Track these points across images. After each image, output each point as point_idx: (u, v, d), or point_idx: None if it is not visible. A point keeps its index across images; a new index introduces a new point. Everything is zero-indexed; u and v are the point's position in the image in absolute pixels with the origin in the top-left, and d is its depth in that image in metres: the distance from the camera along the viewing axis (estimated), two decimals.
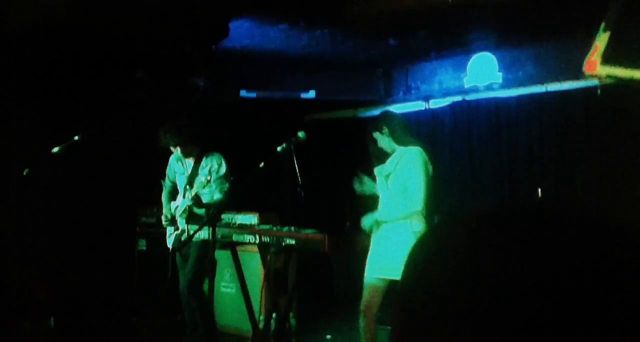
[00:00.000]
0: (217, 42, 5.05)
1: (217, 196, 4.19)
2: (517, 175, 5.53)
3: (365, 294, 3.54)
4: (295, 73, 6.29)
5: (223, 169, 4.29)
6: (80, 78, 5.44)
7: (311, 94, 6.08)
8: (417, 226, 3.41)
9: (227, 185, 4.22)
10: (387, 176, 3.56)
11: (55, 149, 3.92)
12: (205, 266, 3.46)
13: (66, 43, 4.92)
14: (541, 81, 5.38)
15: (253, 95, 6.05)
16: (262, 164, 3.50)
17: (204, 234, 3.62)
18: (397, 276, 3.54)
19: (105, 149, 5.53)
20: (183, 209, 4.26)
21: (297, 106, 6.43)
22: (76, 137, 3.99)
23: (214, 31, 4.86)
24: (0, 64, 5.01)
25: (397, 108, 6.46)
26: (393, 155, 3.59)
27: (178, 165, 4.47)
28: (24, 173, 3.79)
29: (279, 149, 3.60)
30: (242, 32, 5.10)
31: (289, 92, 6.19)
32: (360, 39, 5.43)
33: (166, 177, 4.61)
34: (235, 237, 3.61)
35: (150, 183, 4.89)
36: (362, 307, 3.57)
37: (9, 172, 4.01)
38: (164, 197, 4.60)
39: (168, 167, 4.58)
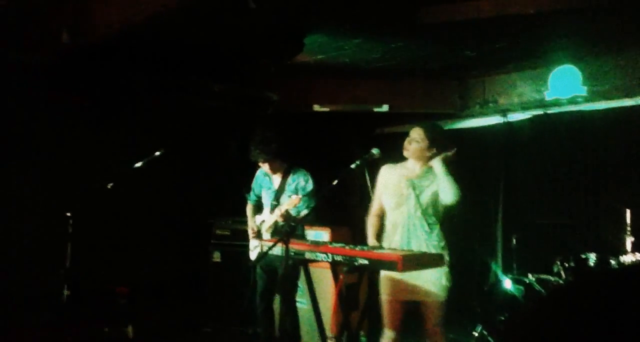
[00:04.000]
0: (292, 57, 5.10)
1: (304, 212, 4.21)
2: (602, 193, 5.23)
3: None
4: (368, 86, 6.25)
5: (310, 186, 4.30)
6: (160, 90, 5.64)
7: (384, 108, 6.02)
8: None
9: (313, 201, 4.23)
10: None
11: (138, 164, 4.06)
12: (284, 282, 3.46)
13: (148, 55, 5.11)
14: (630, 94, 5.08)
15: (326, 109, 6.06)
16: (335, 181, 3.45)
17: (277, 250, 3.63)
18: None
19: (183, 161, 5.70)
20: (270, 224, 4.29)
21: (371, 119, 6.38)
22: (158, 152, 4.11)
23: (289, 46, 4.91)
24: (85, 83, 5.27)
25: (473, 122, 6.30)
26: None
27: (265, 180, 4.51)
28: (108, 186, 3.94)
29: (352, 166, 3.54)
30: (316, 47, 5.12)
31: (361, 105, 6.15)
32: (436, 50, 5.33)
33: (251, 191, 4.66)
34: (307, 255, 3.59)
35: (225, 195, 4.97)
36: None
37: (94, 186, 4.19)
38: (248, 211, 4.65)
39: (254, 180, 4.63)
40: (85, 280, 4.70)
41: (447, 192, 3.44)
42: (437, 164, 3.48)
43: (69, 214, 3.86)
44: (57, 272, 3.88)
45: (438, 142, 3.52)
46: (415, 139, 3.53)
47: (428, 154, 3.52)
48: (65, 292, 3.87)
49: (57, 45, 4.69)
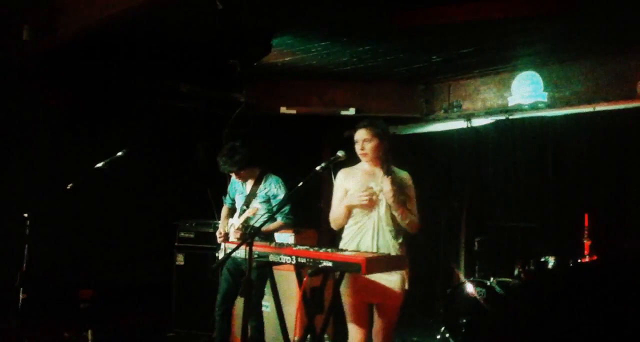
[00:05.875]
0: (259, 58, 5.09)
1: (278, 218, 4.20)
2: (563, 197, 5.36)
3: None
4: (335, 89, 6.27)
5: (281, 193, 4.29)
6: (125, 91, 5.56)
7: (351, 111, 6.04)
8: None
9: (287, 208, 4.21)
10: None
11: (100, 164, 3.98)
12: (246, 285, 3.43)
13: (114, 55, 5.03)
14: (589, 101, 5.21)
15: (293, 112, 6.05)
16: (301, 184, 3.44)
17: (241, 253, 3.60)
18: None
19: (149, 163, 5.61)
20: (236, 228, 4.27)
21: (337, 122, 6.40)
22: (120, 153, 4.03)
23: (257, 47, 4.89)
24: (48, 81, 5.16)
25: (438, 126, 6.37)
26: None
27: (238, 184, 4.50)
28: (68, 187, 3.85)
29: (318, 168, 3.52)
30: (284, 48, 5.12)
31: (328, 108, 6.16)
32: (403, 55, 5.38)
33: (227, 194, 4.65)
34: (271, 258, 3.56)
35: (190, 197, 4.91)
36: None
37: (54, 187, 4.09)
38: (223, 213, 4.63)
39: (230, 184, 4.62)
40: (45, 284, 4.58)
41: (403, 224, 3.45)
42: (387, 192, 3.41)
43: (26, 215, 3.74)
44: (14, 276, 3.75)
45: (385, 134, 3.51)
46: (367, 139, 3.48)
47: (384, 148, 3.50)
48: (22, 296, 3.74)
49: (20, 44, 4.58)
